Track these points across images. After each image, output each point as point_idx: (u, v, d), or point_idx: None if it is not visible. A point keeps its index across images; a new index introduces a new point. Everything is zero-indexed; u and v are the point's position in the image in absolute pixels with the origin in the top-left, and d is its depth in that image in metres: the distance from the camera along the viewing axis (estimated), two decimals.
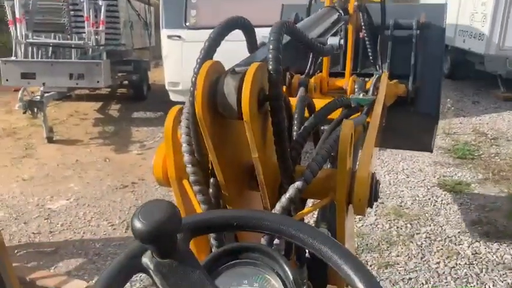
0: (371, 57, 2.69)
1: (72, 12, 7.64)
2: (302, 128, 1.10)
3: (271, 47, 0.88)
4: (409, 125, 2.98)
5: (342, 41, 1.68)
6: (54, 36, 7.39)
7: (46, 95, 6.56)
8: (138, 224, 0.55)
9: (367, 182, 0.98)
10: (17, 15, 6.98)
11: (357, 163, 1.09)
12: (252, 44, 1.15)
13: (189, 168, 0.99)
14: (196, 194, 1.00)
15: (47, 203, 4.69)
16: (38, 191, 4.97)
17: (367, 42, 2.64)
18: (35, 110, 6.37)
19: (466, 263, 3.53)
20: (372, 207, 1.01)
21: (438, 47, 3.00)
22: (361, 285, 0.53)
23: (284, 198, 0.91)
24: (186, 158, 1.00)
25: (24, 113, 6.38)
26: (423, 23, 2.82)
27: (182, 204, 1.11)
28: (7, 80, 6.88)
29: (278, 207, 0.92)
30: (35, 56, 7.14)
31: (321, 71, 2.53)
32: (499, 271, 3.44)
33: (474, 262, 3.54)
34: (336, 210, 1.05)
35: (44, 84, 6.61)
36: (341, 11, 2.06)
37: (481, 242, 3.84)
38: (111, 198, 4.79)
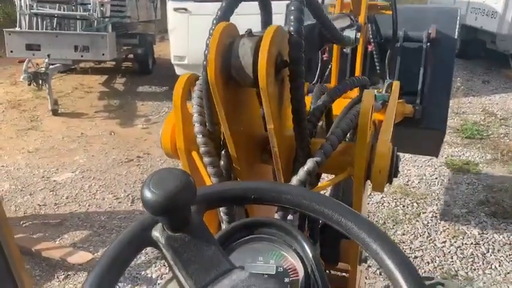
0: (378, 71, 2.61)
1: None
2: (320, 101, 1.04)
3: (292, 8, 0.82)
4: (416, 137, 2.96)
5: (358, 35, 1.63)
6: (59, 7, 7.27)
7: (51, 67, 6.49)
8: (148, 194, 0.50)
9: (387, 155, 0.93)
10: None
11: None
12: (267, 16, 1.08)
13: (199, 139, 0.95)
14: (207, 166, 0.96)
15: (52, 175, 4.69)
16: (43, 163, 4.96)
17: (375, 56, 2.56)
18: (40, 82, 6.31)
19: (472, 243, 3.51)
20: (391, 183, 0.97)
21: (448, 61, 2.90)
22: (393, 267, 0.49)
23: (302, 171, 0.87)
24: (197, 128, 0.95)
25: (29, 84, 6.33)
26: (434, 38, 2.72)
27: None
28: (11, 51, 6.82)
29: (294, 180, 0.87)
30: (39, 27, 7.04)
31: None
32: (505, 251, 3.41)
33: (480, 242, 3.52)
34: (351, 186, 1.01)
35: (48, 56, 6.54)
36: (353, 18, 2.00)
37: (488, 222, 3.81)
38: (116, 171, 4.77)
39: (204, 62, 0.84)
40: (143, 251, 3.47)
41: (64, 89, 7.84)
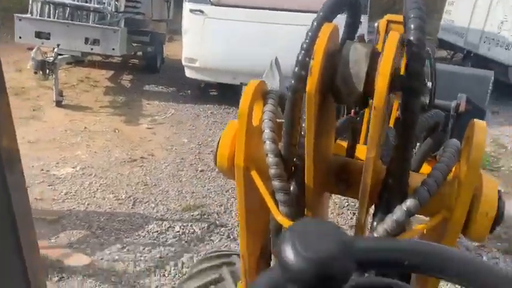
0: None
1: None
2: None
3: (412, 15, 0.69)
4: None
5: (430, 84, 1.50)
6: None
7: (60, 57, 6.33)
8: (292, 257, 0.35)
9: (494, 199, 0.80)
10: None
11: None
12: (354, 26, 0.93)
13: (271, 159, 0.81)
14: (277, 192, 0.81)
15: (51, 168, 4.52)
16: (43, 155, 4.79)
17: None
18: (47, 71, 6.15)
19: None
20: (492, 232, 0.82)
21: None
22: None
23: (400, 211, 0.73)
24: (269, 145, 0.81)
25: (36, 73, 6.17)
26: (462, 111, 2.56)
27: (244, 200, 0.93)
28: (20, 37, 6.65)
29: (389, 221, 0.73)
30: (51, 16, 6.88)
31: None
32: None
33: None
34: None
35: (58, 45, 6.39)
36: None
37: (500, 258, 3.68)
38: (119, 170, 4.61)
39: (296, 69, 0.70)
40: (143, 253, 3.30)
41: (70, 80, 7.68)
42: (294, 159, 0.84)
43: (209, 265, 1.64)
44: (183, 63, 6.87)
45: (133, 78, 8.45)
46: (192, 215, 3.89)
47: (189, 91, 7.77)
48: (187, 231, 3.64)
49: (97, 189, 4.20)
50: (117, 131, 5.71)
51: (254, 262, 1.00)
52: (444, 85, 2.69)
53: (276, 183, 0.81)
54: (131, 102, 6.99)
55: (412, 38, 0.67)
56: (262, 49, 5.83)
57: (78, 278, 2.99)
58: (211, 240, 3.58)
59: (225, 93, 7.37)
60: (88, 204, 3.93)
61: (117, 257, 3.25)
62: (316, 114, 0.68)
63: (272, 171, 0.81)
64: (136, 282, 3.03)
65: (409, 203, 0.73)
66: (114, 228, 3.61)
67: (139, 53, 8.84)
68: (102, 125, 5.88)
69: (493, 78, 2.82)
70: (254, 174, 0.91)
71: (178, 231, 3.62)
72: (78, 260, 3.10)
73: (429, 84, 1.45)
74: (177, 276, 3.06)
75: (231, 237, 3.61)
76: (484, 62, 9.72)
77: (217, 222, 3.80)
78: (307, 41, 0.71)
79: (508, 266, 3.58)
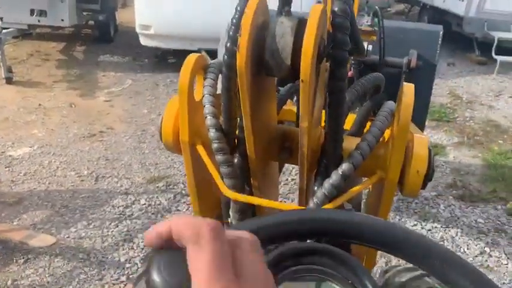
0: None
1: None
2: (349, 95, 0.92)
3: None
4: None
5: (370, 47, 1.50)
6: None
7: (4, 31, 5.99)
8: (159, 280, 0.34)
9: (425, 157, 0.83)
10: None
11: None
12: None
13: (212, 133, 0.81)
14: (220, 165, 0.82)
15: (7, 149, 4.37)
16: None
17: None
18: None
19: (442, 226, 3.56)
20: (425, 188, 0.87)
21: (426, 88, 2.82)
22: None
23: (336, 175, 0.75)
24: (210, 121, 0.81)
25: None
26: (413, 67, 2.58)
27: (193, 175, 0.94)
28: None
29: (327, 185, 0.76)
30: None
31: None
32: (473, 235, 3.49)
33: (450, 225, 3.58)
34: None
35: (1, 19, 6.03)
36: None
37: (456, 205, 3.88)
38: (78, 147, 4.50)
39: (228, 44, 0.69)
40: (109, 228, 3.29)
41: (18, 55, 7.31)
42: (237, 131, 0.85)
43: None
44: (137, 30, 6.65)
45: (86, 49, 8.12)
46: (157, 187, 3.88)
47: (145, 60, 7.56)
48: (153, 203, 3.64)
49: (57, 167, 4.10)
50: (73, 105, 5.53)
51: None
52: (395, 42, 2.71)
53: (219, 157, 0.82)
54: (86, 74, 6.75)
55: (336, 8, 0.68)
56: (220, 13, 5.67)
57: (45, 258, 2.96)
58: (178, 210, 3.60)
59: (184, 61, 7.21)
60: (49, 184, 3.85)
61: (83, 234, 3.23)
62: (249, 88, 0.67)
63: (214, 145, 0.81)
64: (105, 257, 3.03)
65: (344, 166, 0.76)
66: (78, 206, 3.56)
67: (91, 22, 8.46)
68: (57, 100, 5.67)
69: (441, 32, 2.86)
70: (200, 148, 0.91)
71: (144, 204, 3.62)
72: (43, 240, 3.06)
73: (370, 47, 1.47)
74: (145, 248, 3.08)
75: None
76: (440, 14, 9.86)
77: (183, 191, 3.80)
78: (236, 15, 0.70)
79: (462, 212, 3.78)
